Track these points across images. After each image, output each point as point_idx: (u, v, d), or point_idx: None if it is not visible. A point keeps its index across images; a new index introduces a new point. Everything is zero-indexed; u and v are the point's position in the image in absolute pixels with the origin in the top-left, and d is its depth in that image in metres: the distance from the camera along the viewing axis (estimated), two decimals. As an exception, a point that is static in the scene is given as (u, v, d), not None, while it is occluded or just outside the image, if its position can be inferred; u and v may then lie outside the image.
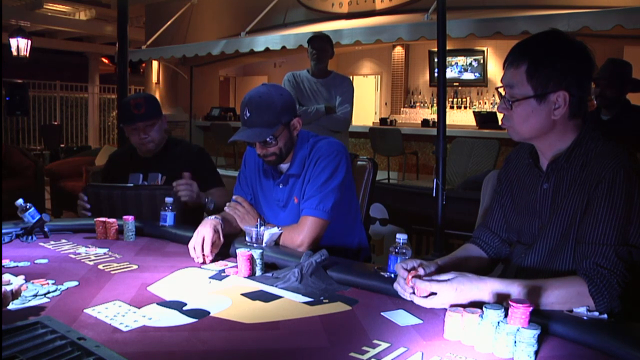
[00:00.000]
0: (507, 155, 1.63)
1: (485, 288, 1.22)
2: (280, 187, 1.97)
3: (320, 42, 3.85)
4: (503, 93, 1.40)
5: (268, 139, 1.84)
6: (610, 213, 1.27)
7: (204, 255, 1.69)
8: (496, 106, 1.42)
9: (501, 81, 1.40)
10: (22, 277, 1.36)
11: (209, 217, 1.83)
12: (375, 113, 11.64)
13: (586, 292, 1.23)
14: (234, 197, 2.04)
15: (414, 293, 1.28)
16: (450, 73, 10.17)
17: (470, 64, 10.28)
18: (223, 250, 1.79)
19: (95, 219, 2.02)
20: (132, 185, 2.40)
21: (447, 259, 1.53)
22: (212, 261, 1.71)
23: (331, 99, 3.86)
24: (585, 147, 1.36)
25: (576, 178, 1.36)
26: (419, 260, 1.35)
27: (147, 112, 2.48)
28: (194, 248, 1.70)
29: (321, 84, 3.88)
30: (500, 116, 1.42)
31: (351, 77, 11.89)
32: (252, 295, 1.40)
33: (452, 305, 1.20)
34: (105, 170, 2.76)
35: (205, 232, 1.71)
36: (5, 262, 1.62)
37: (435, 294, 1.24)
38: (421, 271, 1.31)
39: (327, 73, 3.92)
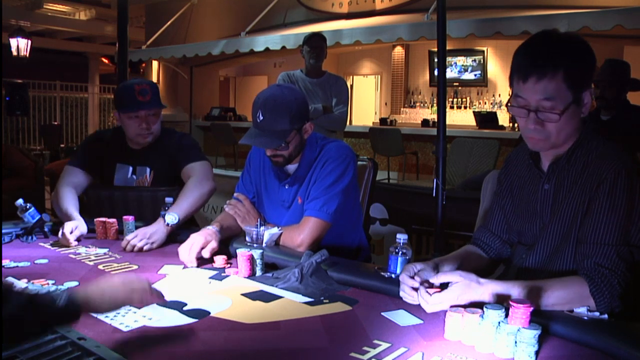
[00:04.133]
0: (506, 156, 1.63)
1: (485, 289, 1.22)
2: (287, 187, 1.97)
3: (319, 41, 3.90)
4: (533, 108, 1.31)
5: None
6: (611, 213, 1.27)
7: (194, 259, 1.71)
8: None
9: (525, 96, 1.31)
10: (25, 280, 1.36)
11: (208, 227, 1.83)
12: (375, 113, 11.65)
13: (587, 292, 1.23)
14: (235, 194, 2.04)
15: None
16: (450, 73, 10.16)
17: (471, 64, 10.29)
18: (223, 250, 1.79)
19: (95, 219, 2.02)
20: (134, 187, 2.38)
21: (446, 259, 1.52)
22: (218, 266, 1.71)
23: (327, 99, 3.87)
24: (586, 148, 1.36)
25: (577, 179, 1.35)
26: (418, 264, 1.34)
27: (152, 100, 2.30)
28: (184, 252, 1.72)
29: (316, 84, 3.89)
30: (522, 124, 1.34)
31: (351, 77, 11.95)
32: (252, 296, 1.40)
33: (452, 306, 1.20)
34: (92, 146, 2.45)
35: (195, 240, 1.74)
36: (5, 262, 1.62)
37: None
38: (427, 277, 1.30)
39: (322, 73, 3.94)
